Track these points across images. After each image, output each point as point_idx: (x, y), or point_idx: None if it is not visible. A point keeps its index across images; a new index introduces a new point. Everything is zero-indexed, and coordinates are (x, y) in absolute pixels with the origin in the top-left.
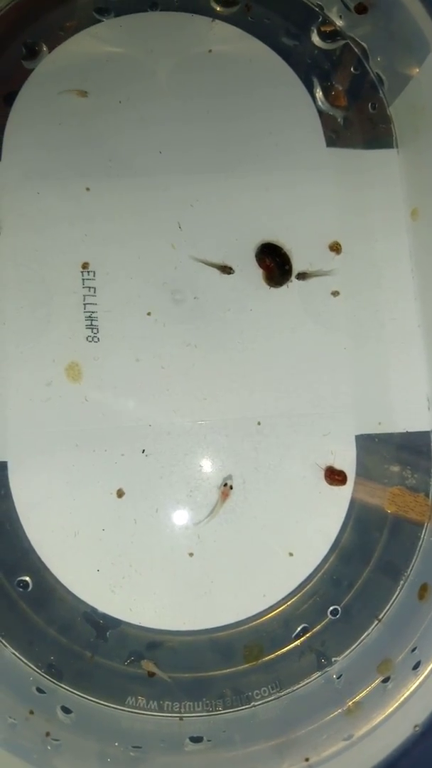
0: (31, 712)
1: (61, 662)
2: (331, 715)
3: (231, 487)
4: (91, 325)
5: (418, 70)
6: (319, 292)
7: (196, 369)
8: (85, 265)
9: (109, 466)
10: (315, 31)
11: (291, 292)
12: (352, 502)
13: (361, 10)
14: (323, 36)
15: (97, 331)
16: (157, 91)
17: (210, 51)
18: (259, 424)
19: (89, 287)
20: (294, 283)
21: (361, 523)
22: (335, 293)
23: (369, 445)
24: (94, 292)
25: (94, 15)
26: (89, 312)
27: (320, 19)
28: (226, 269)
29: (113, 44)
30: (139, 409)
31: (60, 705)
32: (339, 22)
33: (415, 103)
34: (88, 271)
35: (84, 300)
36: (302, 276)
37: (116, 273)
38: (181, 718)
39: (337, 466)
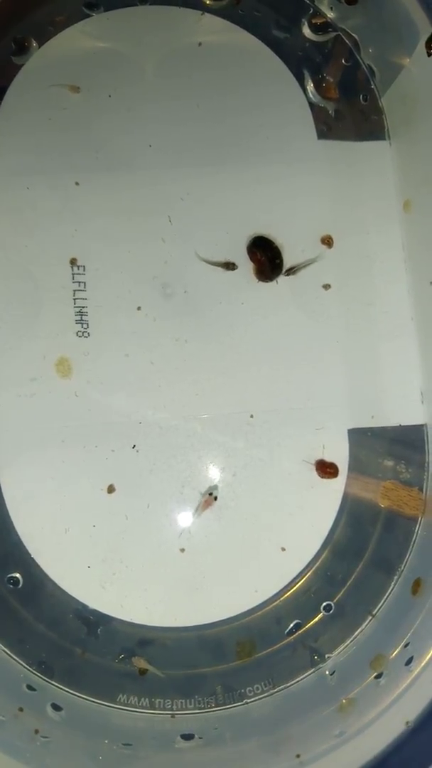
0: (21, 710)
1: (52, 659)
2: (324, 712)
3: (216, 498)
4: (81, 320)
5: (408, 60)
6: (311, 285)
7: (187, 364)
8: (74, 260)
9: (99, 461)
10: (306, 23)
11: (282, 285)
12: (345, 497)
13: (351, 0)
14: (314, 28)
15: (87, 326)
16: (147, 85)
17: (200, 44)
18: (251, 417)
19: (79, 282)
20: (285, 277)
21: (354, 518)
22: (327, 286)
23: (362, 439)
24: (84, 287)
25: (83, 10)
26: (79, 307)
27: (311, 11)
28: (230, 266)
29: (102, 39)
30: (129, 405)
31: (50, 702)
32: (330, 14)
33: (406, 93)
34: (78, 266)
35: (74, 295)
36: (291, 271)
37: (106, 267)
38: (172, 716)
39: (329, 459)
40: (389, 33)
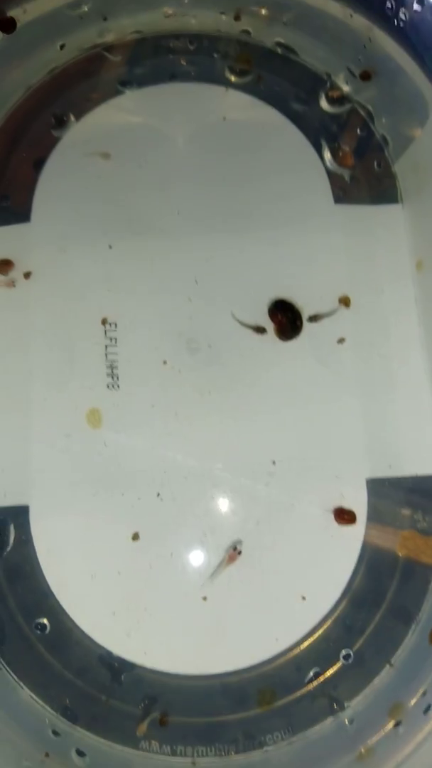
0: (47, 755)
1: (77, 705)
2: (343, 761)
3: (240, 552)
4: (112, 373)
5: (420, 131)
6: (329, 340)
7: (210, 414)
8: (107, 318)
9: (125, 509)
10: (323, 96)
11: (302, 340)
12: (364, 546)
13: (365, 76)
14: (331, 101)
15: (118, 379)
16: (176, 156)
17: (224, 118)
18: (273, 463)
19: (111, 338)
20: (304, 332)
21: (372, 567)
22: (343, 340)
23: (380, 488)
24: (116, 342)
25: (117, 87)
26: (110, 361)
27: (328, 85)
28: (260, 329)
29: (135, 113)
30: (154, 454)
31: (75, 747)
32: (345, 88)
33: (418, 161)
34: (110, 323)
35: (106, 350)
36: (314, 318)
37: (136, 325)
38: (193, 763)
39: (347, 507)
40: (401, 106)
